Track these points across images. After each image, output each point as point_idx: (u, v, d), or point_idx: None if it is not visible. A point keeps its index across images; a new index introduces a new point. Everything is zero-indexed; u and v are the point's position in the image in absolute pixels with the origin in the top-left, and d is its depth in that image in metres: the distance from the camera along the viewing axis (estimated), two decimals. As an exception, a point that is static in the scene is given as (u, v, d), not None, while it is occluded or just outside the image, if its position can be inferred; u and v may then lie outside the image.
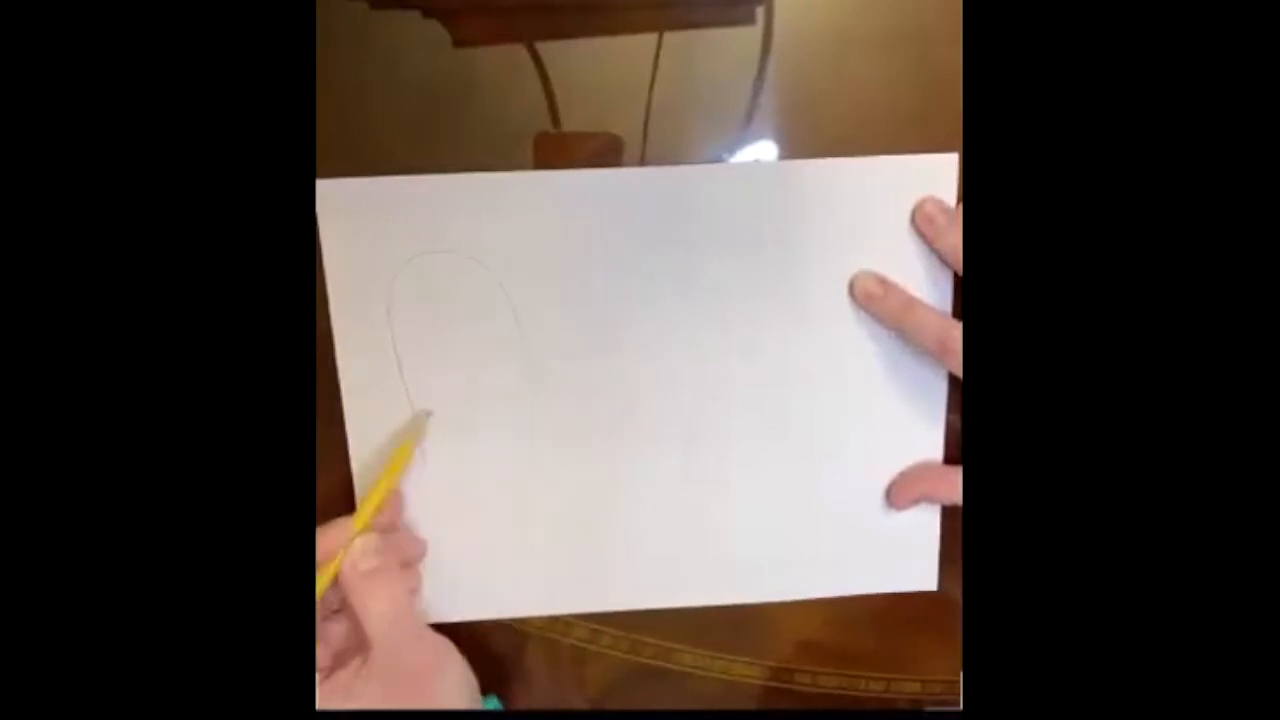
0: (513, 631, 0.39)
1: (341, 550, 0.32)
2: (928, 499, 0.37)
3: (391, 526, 0.35)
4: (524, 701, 0.39)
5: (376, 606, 0.31)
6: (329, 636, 0.34)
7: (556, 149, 0.34)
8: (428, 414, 0.35)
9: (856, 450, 0.37)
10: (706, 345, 0.36)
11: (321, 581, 0.31)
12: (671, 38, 0.33)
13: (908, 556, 0.39)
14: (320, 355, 0.35)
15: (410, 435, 0.35)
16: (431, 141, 0.34)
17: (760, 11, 0.33)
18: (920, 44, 0.33)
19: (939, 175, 0.34)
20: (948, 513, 0.38)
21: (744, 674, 0.40)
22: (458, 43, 0.33)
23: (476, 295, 0.35)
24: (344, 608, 0.34)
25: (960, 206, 0.34)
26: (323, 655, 0.33)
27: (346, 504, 0.36)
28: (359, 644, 0.33)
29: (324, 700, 0.31)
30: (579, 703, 0.40)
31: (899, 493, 0.37)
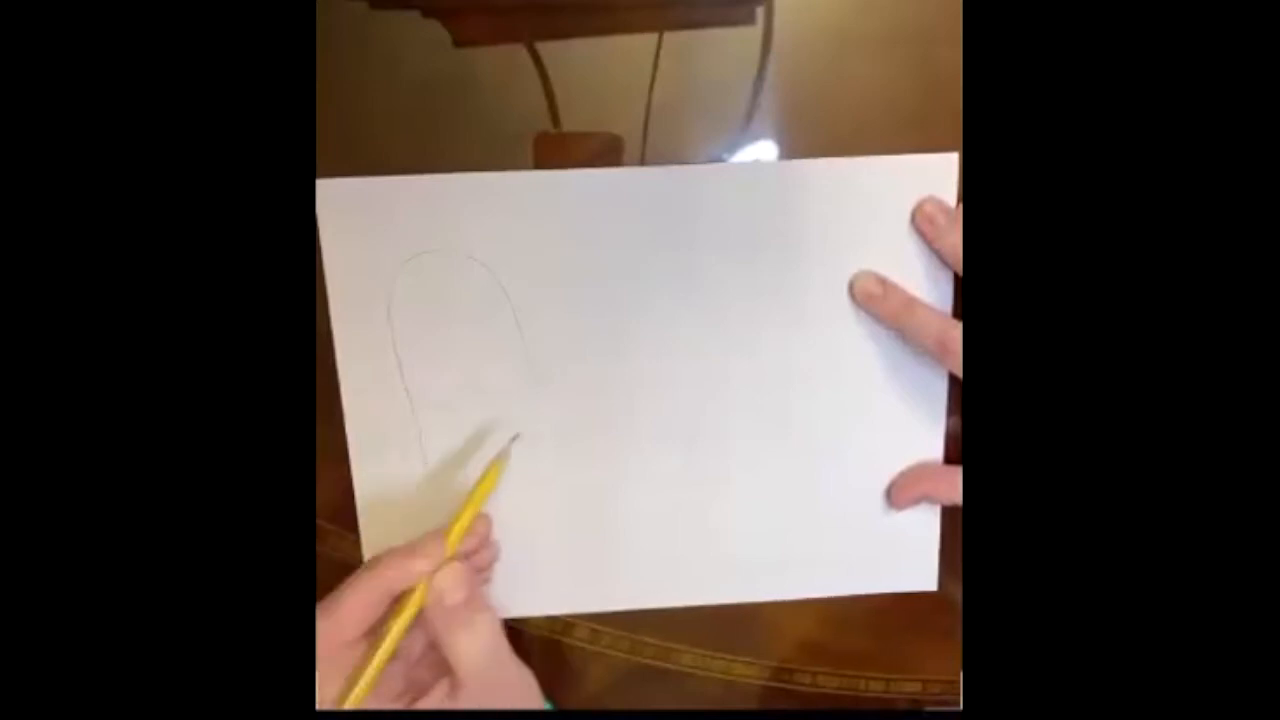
0: (513, 631, 0.39)
1: (424, 582, 0.30)
2: (928, 499, 0.37)
3: (480, 547, 0.34)
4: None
5: (468, 644, 0.29)
6: (403, 654, 0.32)
7: (556, 149, 0.34)
8: (515, 438, 0.35)
9: (856, 450, 0.37)
10: (706, 345, 0.36)
11: (405, 615, 0.30)
12: (671, 38, 0.33)
13: (907, 556, 0.39)
14: (320, 355, 0.35)
15: (499, 459, 0.34)
16: (431, 141, 0.34)
17: (760, 11, 0.33)
18: (920, 44, 0.33)
19: (939, 175, 0.34)
20: (948, 513, 0.38)
21: (744, 674, 0.40)
22: (458, 43, 0.33)
23: (476, 295, 0.35)
24: (428, 648, 0.32)
25: (960, 206, 0.34)
26: (395, 681, 0.31)
27: (346, 504, 0.36)
28: (435, 660, 0.31)
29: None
30: (579, 703, 0.40)
31: (899, 493, 0.37)
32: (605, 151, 0.34)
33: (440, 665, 0.31)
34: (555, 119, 0.34)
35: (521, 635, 0.39)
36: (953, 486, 0.36)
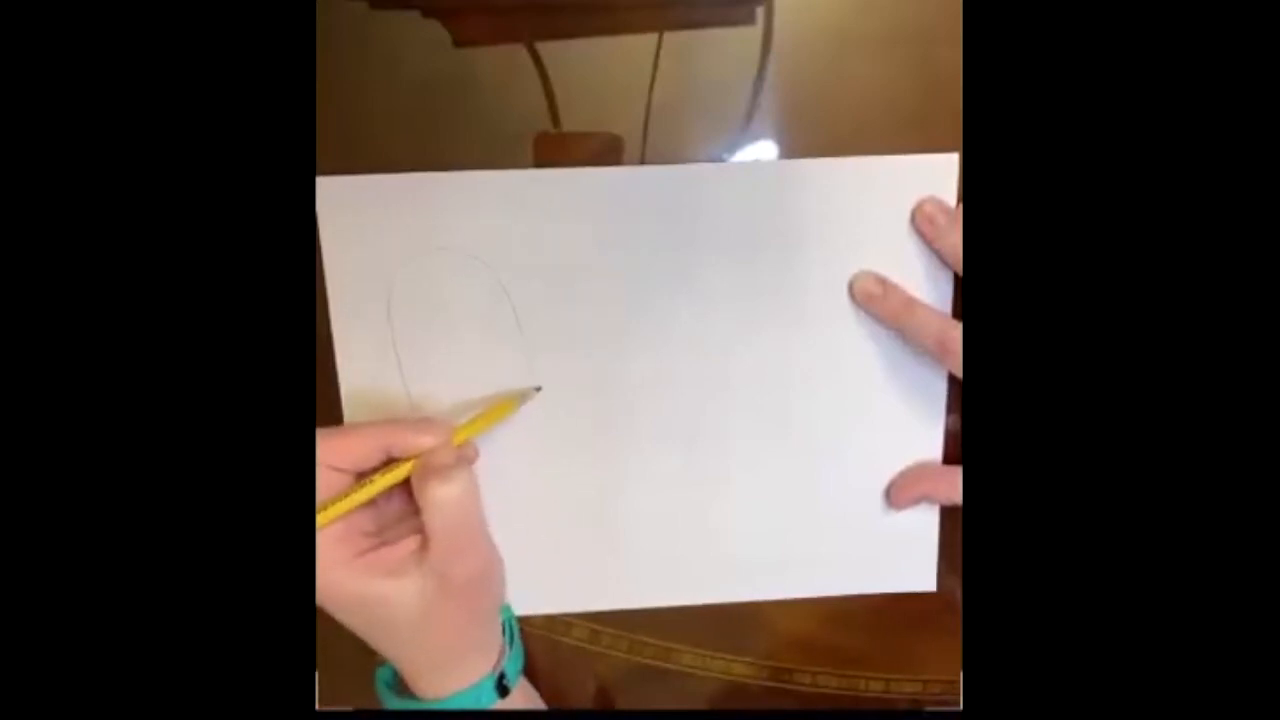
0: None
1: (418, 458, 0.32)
2: (927, 499, 0.37)
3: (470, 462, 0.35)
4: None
5: (440, 492, 0.30)
6: (384, 508, 0.33)
7: (556, 149, 0.34)
8: (538, 389, 0.35)
9: (856, 450, 0.37)
10: (706, 344, 0.36)
11: (392, 475, 0.31)
12: (671, 38, 0.33)
13: (907, 556, 0.39)
14: (320, 354, 0.35)
15: (517, 396, 0.35)
16: (431, 141, 0.34)
17: (760, 11, 0.33)
18: (920, 44, 0.33)
19: (939, 175, 0.34)
20: (947, 513, 0.38)
21: (744, 674, 0.40)
22: (458, 43, 0.33)
23: (477, 294, 0.35)
24: (405, 514, 0.33)
25: (960, 206, 0.34)
26: (365, 521, 0.32)
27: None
28: (413, 527, 0.32)
29: (359, 575, 0.30)
30: (579, 702, 0.40)
31: (898, 493, 0.37)
32: (605, 151, 0.34)
33: (414, 529, 0.32)
34: (555, 119, 0.34)
35: (522, 635, 0.39)
36: (952, 486, 0.36)
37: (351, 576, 0.30)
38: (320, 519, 0.30)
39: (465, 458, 0.34)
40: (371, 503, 0.32)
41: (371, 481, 0.31)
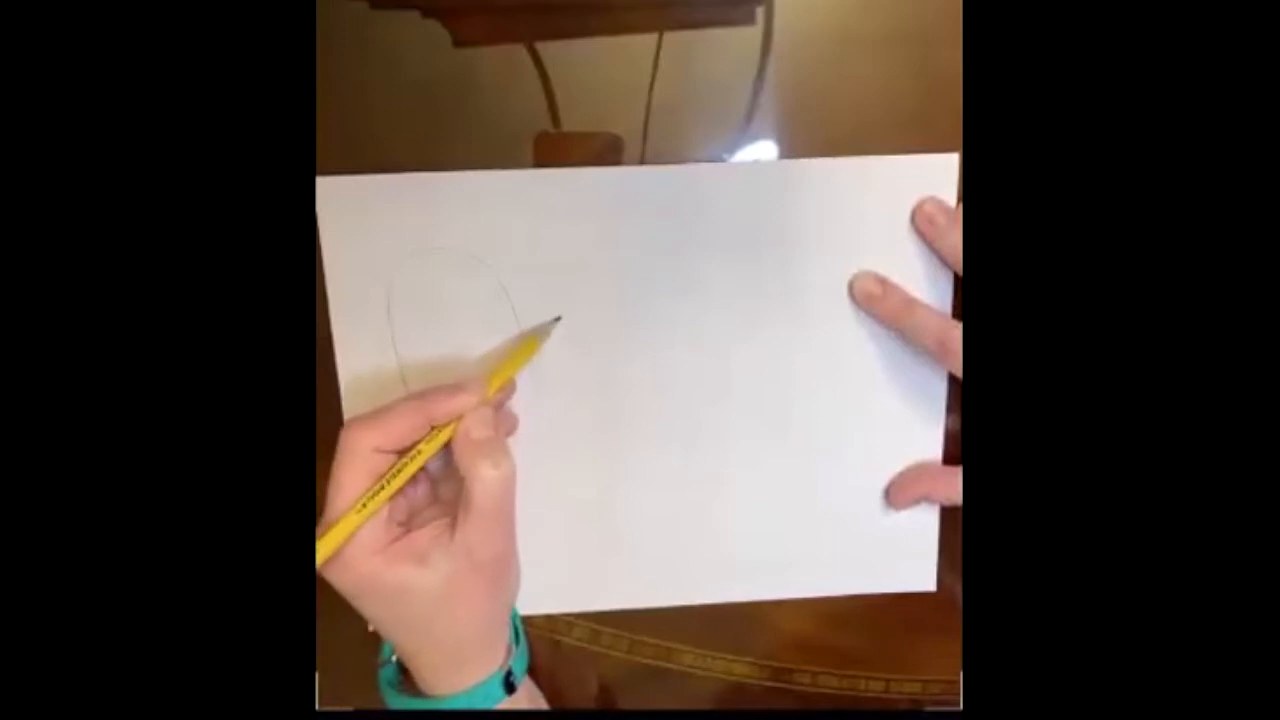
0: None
1: (458, 420, 0.32)
2: (927, 499, 0.37)
3: (506, 399, 0.35)
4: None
5: (490, 472, 0.31)
6: (412, 496, 0.34)
7: (556, 149, 0.34)
8: (557, 319, 0.35)
9: (856, 450, 0.37)
10: (706, 345, 0.36)
11: (436, 442, 0.31)
12: (671, 38, 0.33)
13: (906, 557, 0.39)
14: (320, 354, 0.35)
15: (539, 333, 0.35)
16: (431, 141, 0.34)
17: (760, 11, 0.33)
18: (920, 44, 0.33)
19: (939, 175, 0.34)
20: (947, 513, 0.38)
21: (744, 674, 0.40)
22: (458, 43, 0.33)
23: (476, 293, 0.35)
24: (444, 478, 0.34)
25: (960, 206, 0.34)
26: (399, 510, 0.33)
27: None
28: (442, 511, 0.33)
29: (390, 563, 0.31)
30: (579, 702, 0.40)
31: (898, 493, 0.37)
32: (605, 151, 0.34)
33: (437, 514, 0.33)
34: (555, 119, 0.34)
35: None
36: (951, 487, 0.36)
37: (387, 565, 0.31)
38: (379, 498, 0.30)
39: (507, 424, 0.35)
40: (401, 492, 0.32)
41: (419, 452, 0.31)
